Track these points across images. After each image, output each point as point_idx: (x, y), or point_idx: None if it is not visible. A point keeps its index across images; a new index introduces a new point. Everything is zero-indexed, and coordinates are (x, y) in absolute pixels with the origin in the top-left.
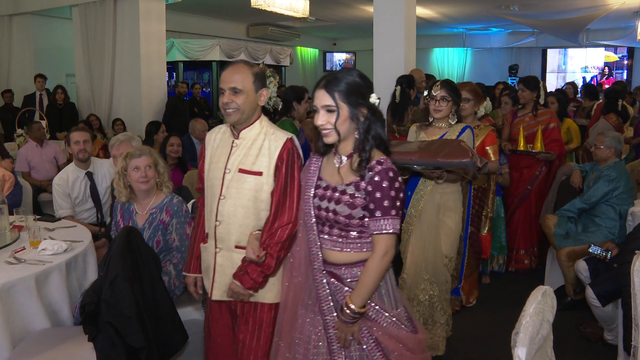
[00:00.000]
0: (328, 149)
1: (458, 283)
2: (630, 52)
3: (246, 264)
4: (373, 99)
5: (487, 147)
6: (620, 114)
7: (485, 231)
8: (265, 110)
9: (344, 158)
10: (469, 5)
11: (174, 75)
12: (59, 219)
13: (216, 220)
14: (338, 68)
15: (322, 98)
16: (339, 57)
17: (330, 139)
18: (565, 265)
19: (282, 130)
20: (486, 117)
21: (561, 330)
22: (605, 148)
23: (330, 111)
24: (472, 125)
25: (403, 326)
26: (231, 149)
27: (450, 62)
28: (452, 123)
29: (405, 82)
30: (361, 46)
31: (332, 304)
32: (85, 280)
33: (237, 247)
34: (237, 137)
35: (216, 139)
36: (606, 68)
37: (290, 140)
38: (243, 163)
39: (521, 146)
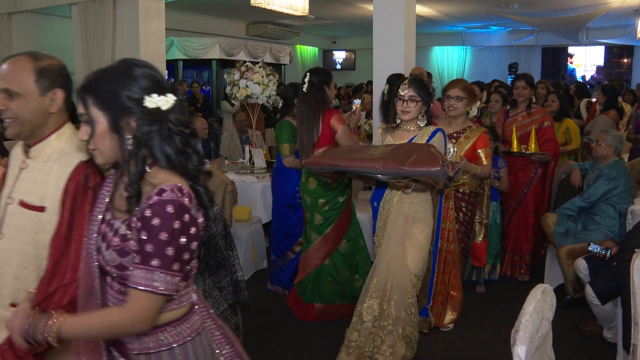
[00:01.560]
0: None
1: (426, 303)
2: (630, 50)
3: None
4: (152, 102)
5: (479, 150)
6: (619, 110)
7: (481, 238)
8: (264, 109)
9: None
10: (468, 4)
11: (174, 74)
12: None
13: None
14: (337, 67)
15: (79, 105)
16: (339, 56)
17: (99, 159)
18: (565, 264)
19: (79, 149)
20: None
21: (561, 329)
22: (606, 146)
23: (87, 122)
24: (464, 126)
25: None
26: (19, 171)
27: (450, 60)
28: (422, 125)
29: (395, 80)
30: (361, 44)
31: None
32: None
33: (12, 305)
34: (27, 156)
35: (15, 154)
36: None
37: (84, 164)
38: (26, 192)
39: (514, 147)
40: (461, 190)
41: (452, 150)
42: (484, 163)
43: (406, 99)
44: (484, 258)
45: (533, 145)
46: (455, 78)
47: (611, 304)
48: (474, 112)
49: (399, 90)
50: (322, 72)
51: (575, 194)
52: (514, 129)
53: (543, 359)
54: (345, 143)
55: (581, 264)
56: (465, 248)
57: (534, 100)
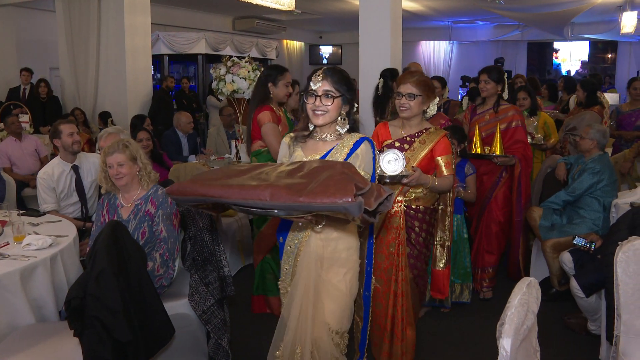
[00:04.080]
0: None
1: (359, 357)
2: (614, 45)
3: None
4: None
5: (439, 158)
6: (601, 104)
7: (443, 264)
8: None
9: None
10: None
11: (159, 69)
12: (44, 214)
13: None
14: (324, 61)
15: None
16: (326, 50)
17: None
18: (550, 257)
19: None
20: (438, 114)
21: (546, 321)
22: (589, 139)
23: None
24: (420, 128)
25: None
26: None
27: (437, 55)
28: (342, 132)
29: (389, 74)
30: (347, 39)
31: None
32: (70, 275)
33: None
34: None
35: None
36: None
37: None
38: None
39: (477, 149)
40: (414, 207)
41: (401, 159)
42: (444, 174)
43: (320, 94)
44: (446, 289)
45: (497, 147)
46: (441, 73)
47: (595, 297)
48: (432, 110)
49: (311, 83)
50: (272, 69)
51: (560, 187)
52: (476, 128)
53: (528, 351)
54: (268, 141)
55: (566, 257)
56: (420, 275)
57: (504, 96)
